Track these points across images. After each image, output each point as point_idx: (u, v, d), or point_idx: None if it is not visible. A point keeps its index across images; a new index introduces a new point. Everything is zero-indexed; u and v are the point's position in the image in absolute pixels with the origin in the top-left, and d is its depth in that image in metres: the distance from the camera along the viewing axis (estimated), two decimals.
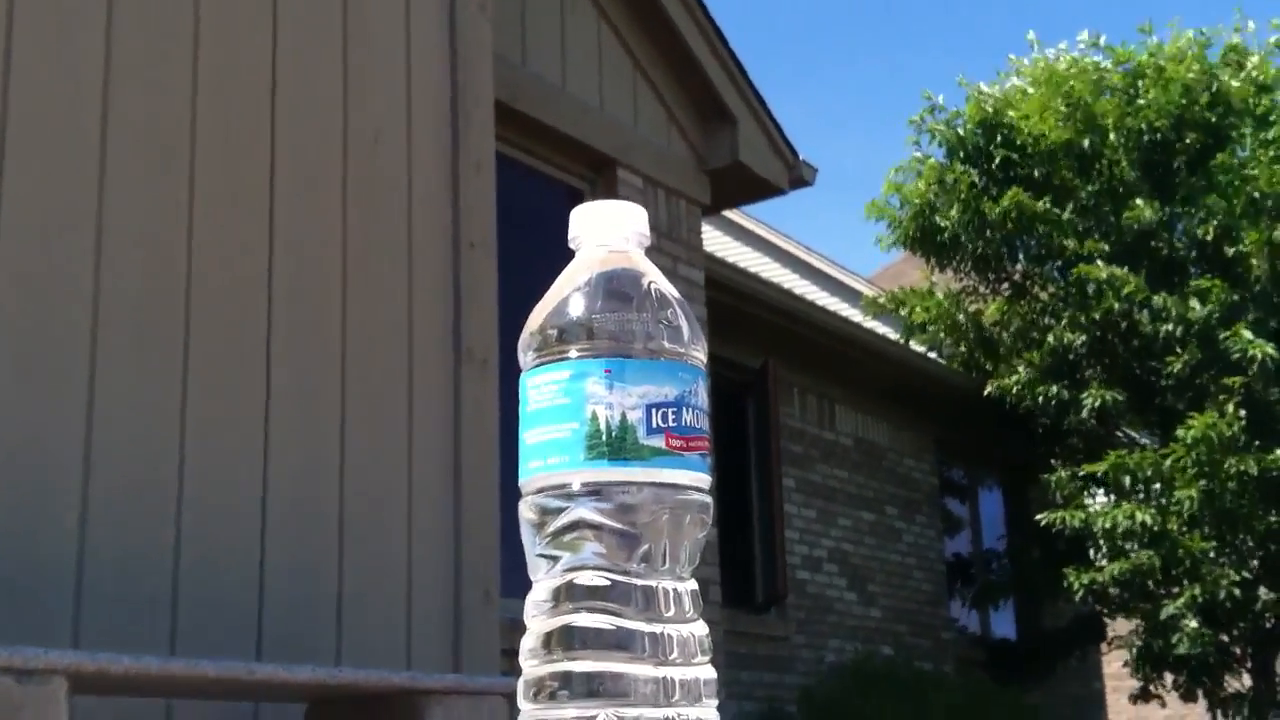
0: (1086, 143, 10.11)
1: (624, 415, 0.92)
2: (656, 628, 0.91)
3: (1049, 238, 10.10)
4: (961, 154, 10.50)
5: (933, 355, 10.96)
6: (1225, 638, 9.63)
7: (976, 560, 11.29)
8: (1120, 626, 10.50)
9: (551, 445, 0.93)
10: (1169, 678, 9.91)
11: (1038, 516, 9.70)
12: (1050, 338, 9.97)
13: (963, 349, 10.73)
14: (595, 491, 0.92)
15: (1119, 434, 10.20)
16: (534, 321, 0.97)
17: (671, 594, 0.93)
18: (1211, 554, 9.01)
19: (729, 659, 7.71)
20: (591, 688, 0.89)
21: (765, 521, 8.76)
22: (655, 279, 0.98)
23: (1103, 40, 10.77)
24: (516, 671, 0.94)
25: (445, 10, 3.98)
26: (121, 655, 2.24)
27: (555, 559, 0.93)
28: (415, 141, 3.79)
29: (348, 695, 2.74)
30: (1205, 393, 9.42)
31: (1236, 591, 8.92)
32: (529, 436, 0.95)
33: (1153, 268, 9.98)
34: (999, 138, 10.43)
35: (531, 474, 0.94)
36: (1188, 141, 10.17)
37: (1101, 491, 9.74)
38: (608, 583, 0.91)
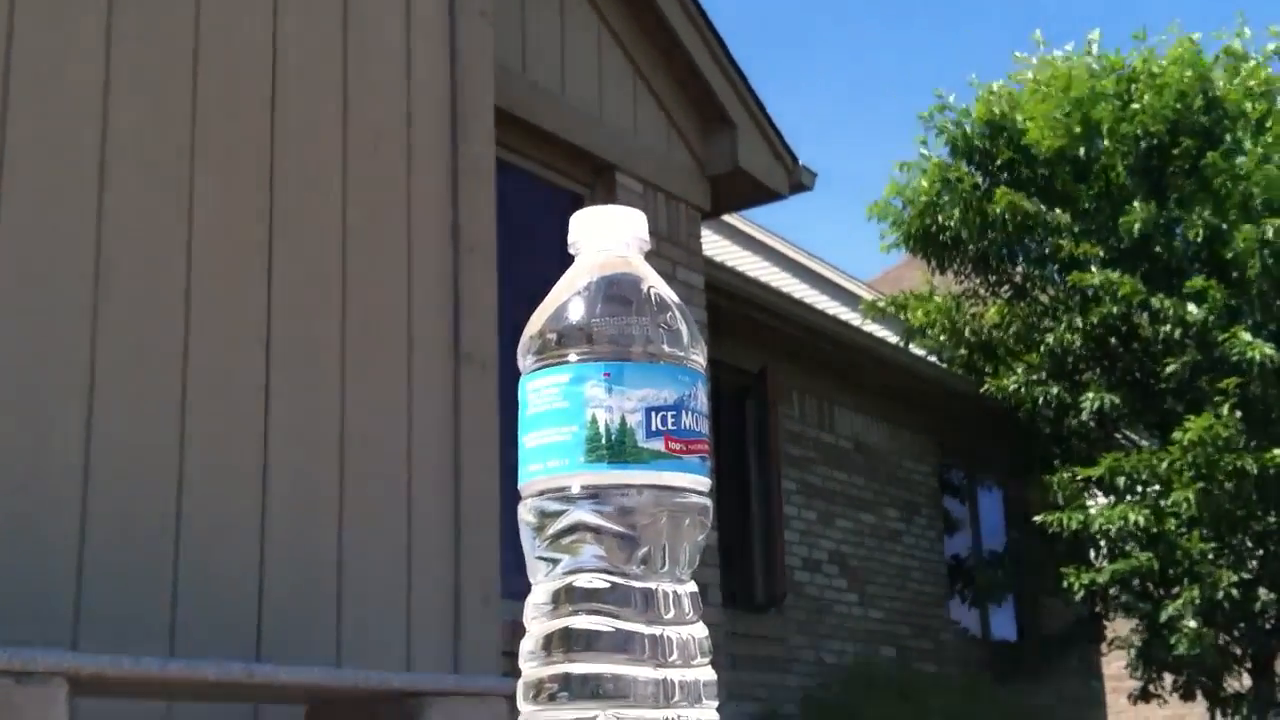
0: (1082, 150, 10.14)
1: (623, 418, 0.92)
2: (656, 630, 0.91)
3: (1048, 240, 10.13)
4: (966, 154, 10.55)
5: (932, 360, 10.98)
6: (1225, 638, 9.64)
7: (976, 561, 11.29)
8: (1120, 627, 10.51)
9: (551, 448, 0.93)
10: (1169, 678, 9.92)
11: (1035, 518, 9.71)
12: (1048, 340, 9.99)
13: (962, 352, 10.75)
14: (595, 494, 0.92)
15: (1119, 436, 10.21)
16: (534, 325, 0.97)
17: (671, 596, 0.93)
18: (1210, 555, 9.03)
19: (729, 660, 7.71)
20: (591, 689, 0.89)
21: (765, 523, 8.77)
22: (655, 283, 0.98)
23: (1094, 50, 10.80)
24: (517, 673, 0.94)
25: (446, 16, 3.99)
26: (121, 657, 2.24)
27: (555, 561, 0.93)
28: (416, 146, 3.80)
29: (348, 697, 2.75)
30: (1204, 395, 9.44)
31: (1235, 592, 8.94)
32: (528, 440, 0.95)
33: (1151, 271, 10.00)
34: (1004, 139, 10.48)
35: (531, 477, 0.95)
36: (1184, 145, 10.19)
37: (1100, 493, 9.76)
38: (607, 585, 0.91)
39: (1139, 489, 9.30)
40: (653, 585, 0.92)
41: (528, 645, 0.93)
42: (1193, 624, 9.11)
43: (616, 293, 0.96)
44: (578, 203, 5.95)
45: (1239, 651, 9.85)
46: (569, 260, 1.00)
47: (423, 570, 3.51)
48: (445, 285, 3.77)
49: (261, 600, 3.13)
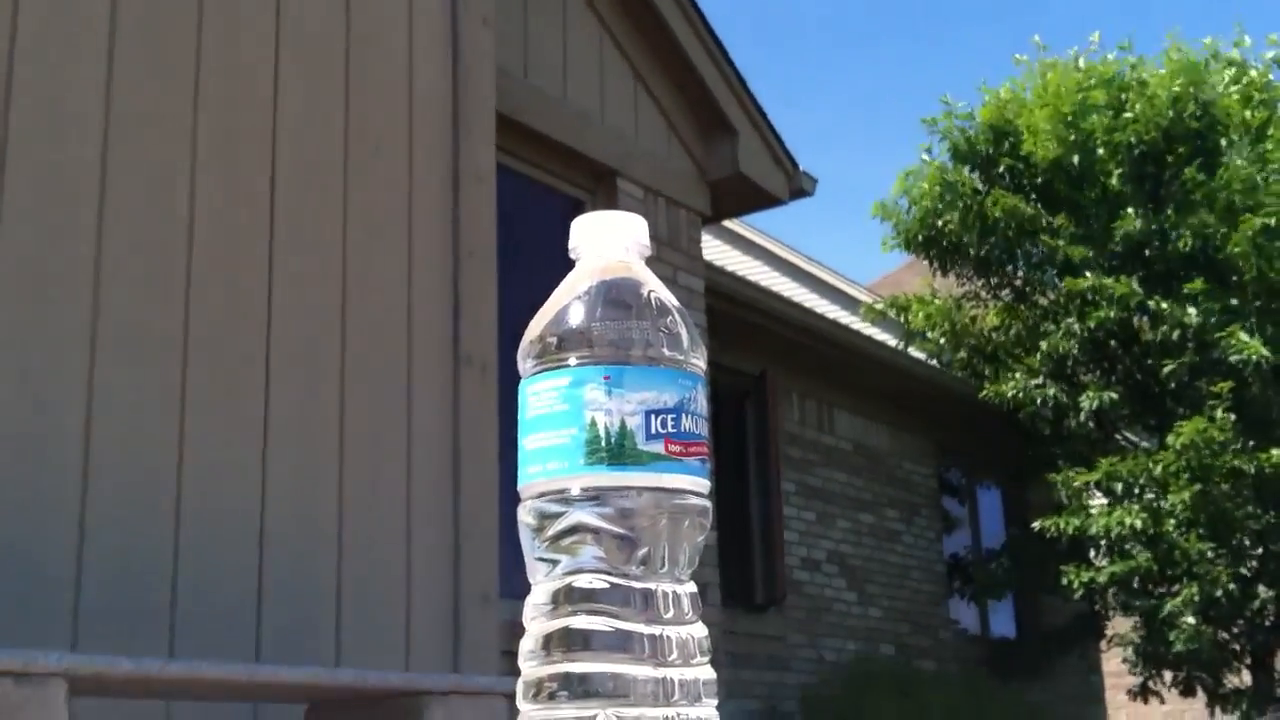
0: (1076, 159, 10.16)
1: (623, 421, 0.92)
2: (656, 629, 0.91)
3: (1046, 244, 10.14)
4: (967, 158, 10.57)
5: (932, 362, 10.99)
6: (1224, 634, 9.66)
7: (976, 560, 11.30)
8: (1119, 624, 10.52)
9: (551, 451, 0.94)
10: (1168, 674, 9.93)
11: (1034, 524, 9.73)
12: (1046, 343, 10.00)
13: (962, 354, 10.76)
14: (594, 496, 0.92)
15: (1119, 437, 10.22)
16: (534, 329, 0.98)
17: (671, 596, 0.93)
18: (1209, 554, 9.04)
19: (729, 659, 7.73)
20: (591, 688, 0.89)
21: (765, 524, 8.79)
22: (655, 288, 0.98)
23: (1082, 62, 10.81)
24: (516, 673, 0.94)
25: (447, 21, 4.00)
26: (121, 658, 2.25)
27: (554, 562, 0.93)
28: (416, 151, 3.81)
29: (347, 696, 2.75)
30: (1203, 396, 9.45)
31: (1233, 588, 8.96)
32: (528, 442, 0.96)
33: (1149, 275, 10.02)
34: (1006, 145, 10.50)
35: (531, 479, 0.95)
36: (1180, 152, 10.21)
37: (1099, 495, 9.77)
38: (607, 585, 0.91)
39: (1136, 492, 9.32)
40: (652, 585, 0.92)
41: (527, 645, 0.93)
42: (1192, 620, 9.12)
43: (617, 297, 0.96)
44: (578, 207, 5.96)
45: (1238, 648, 9.86)
46: (569, 265, 1.01)
47: (422, 570, 3.52)
48: (446, 288, 3.78)
49: (261, 599, 3.14)
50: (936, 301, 10.89)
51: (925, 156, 10.75)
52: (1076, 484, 9.50)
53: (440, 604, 3.54)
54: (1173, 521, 9.07)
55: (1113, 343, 10.09)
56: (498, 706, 2.76)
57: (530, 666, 0.93)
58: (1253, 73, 10.63)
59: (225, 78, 3.36)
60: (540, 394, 0.96)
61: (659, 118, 6.46)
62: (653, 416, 0.93)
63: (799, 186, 7.16)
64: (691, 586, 0.96)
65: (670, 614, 0.93)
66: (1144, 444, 10.13)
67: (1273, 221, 9.43)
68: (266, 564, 3.16)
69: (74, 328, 2.93)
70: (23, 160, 2.89)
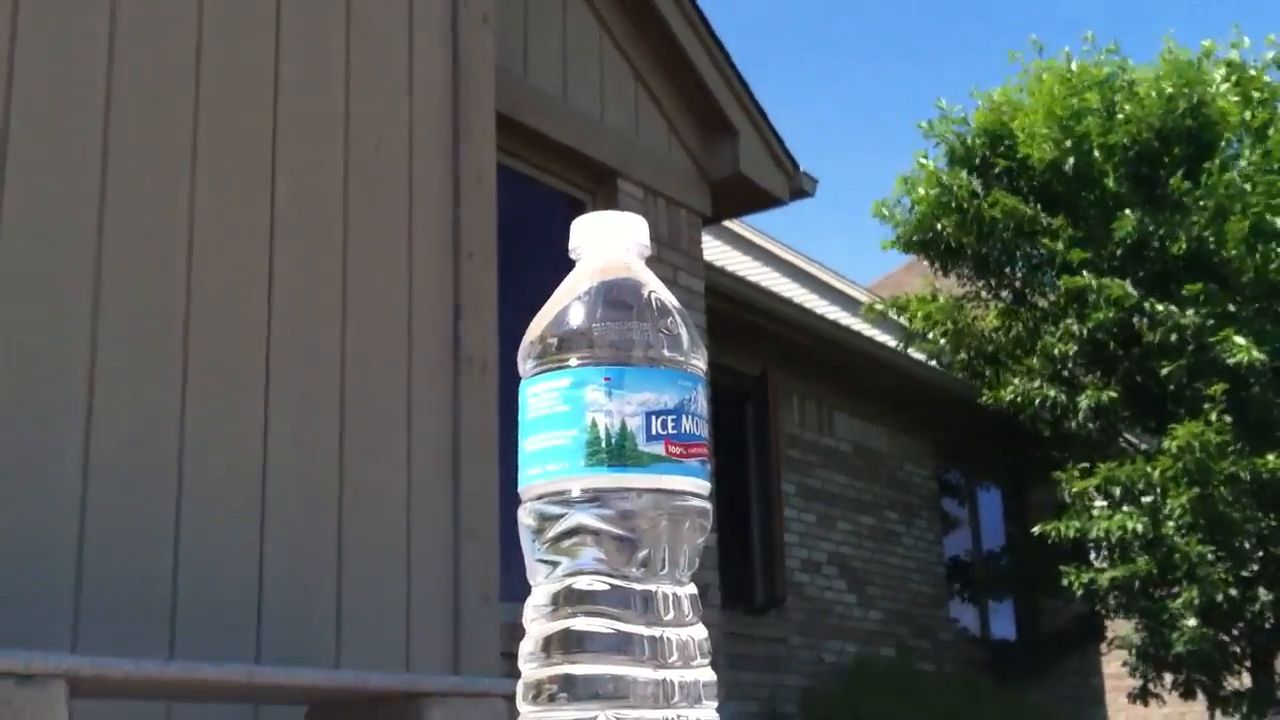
0: (1072, 161, 10.16)
1: (623, 422, 0.92)
2: (656, 631, 0.91)
3: (1045, 246, 10.15)
4: (964, 161, 10.58)
5: (932, 364, 10.99)
6: (1224, 636, 9.66)
7: (976, 561, 11.31)
8: (1119, 626, 10.53)
9: (551, 452, 0.93)
10: (1168, 677, 9.94)
11: (1034, 529, 9.75)
12: (1044, 343, 10.00)
13: (962, 356, 10.76)
14: (595, 498, 0.92)
15: (1119, 439, 10.22)
16: (534, 330, 0.97)
17: (671, 598, 0.93)
18: (1209, 557, 9.04)
19: (729, 661, 7.73)
20: (591, 690, 0.89)
21: (765, 526, 8.79)
22: (655, 288, 0.98)
23: (1074, 65, 10.81)
24: (516, 674, 0.94)
25: (447, 21, 4.00)
26: (121, 659, 2.25)
27: (554, 564, 0.93)
28: (416, 151, 3.81)
29: (348, 698, 2.75)
30: (1200, 398, 9.46)
31: (1234, 592, 8.96)
32: (528, 444, 0.95)
33: (1149, 276, 10.02)
34: (1002, 147, 10.50)
35: (531, 480, 0.95)
36: (1175, 153, 10.20)
37: (1100, 497, 9.78)
38: (607, 587, 0.91)
39: (1135, 496, 9.32)
40: (652, 587, 0.92)
41: (527, 646, 0.93)
42: (1192, 623, 9.13)
43: (617, 297, 0.96)
44: (578, 208, 5.96)
45: (1238, 650, 9.86)
46: (570, 265, 1.01)
47: (422, 571, 3.52)
48: (446, 289, 3.78)
49: (261, 600, 3.14)
50: (938, 301, 10.89)
51: (922, 161, 10.76)
52: (1075, 491, 9.50)
53: (441, 605, 3.54)
54: (1172, 525, 9.07)
55: (1112, 344, 10.09)
56: (498, 708, 2.76)
57: (530, 668, 0.93)
58: (1251, 71, 10.61)
59: (225, 77, 3.36)
60: (540, 395, 0.95)
61: (659, 118, 6.47)
62: (653, 418, 0.93)
63: (799, 187, 7.16)
64: (692, 588, 0.96)
65: (670, 616, 0.93)
66: (1144, 446, 10.13)
67: (1261, 222, 9.43)
68: (267, 564, 3.16)
69: (74, 328, 2.93)
70: (25, 161, 2.89)
